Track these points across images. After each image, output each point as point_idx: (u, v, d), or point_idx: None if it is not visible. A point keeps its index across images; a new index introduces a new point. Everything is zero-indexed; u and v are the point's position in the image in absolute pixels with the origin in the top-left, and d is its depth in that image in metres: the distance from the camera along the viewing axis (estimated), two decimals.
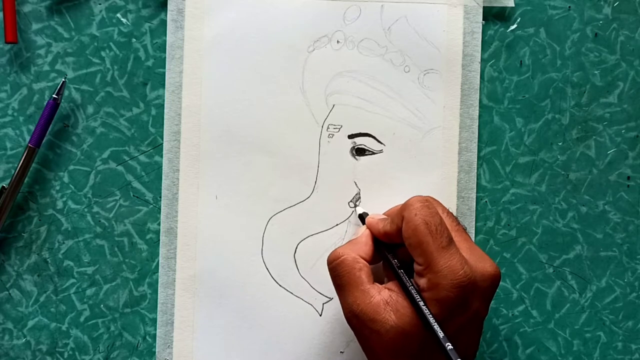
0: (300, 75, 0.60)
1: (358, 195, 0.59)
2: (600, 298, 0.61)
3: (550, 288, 0.61)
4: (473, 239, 0.60)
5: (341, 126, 0.60)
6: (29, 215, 0.60)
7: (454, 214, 0.59)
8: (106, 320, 0.60)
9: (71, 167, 0.60)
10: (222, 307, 0.59)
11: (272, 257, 0.59)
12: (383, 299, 0.50)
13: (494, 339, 0.61)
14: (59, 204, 0.60)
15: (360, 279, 0.51)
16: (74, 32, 0.60)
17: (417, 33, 0.60)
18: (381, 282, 0.53)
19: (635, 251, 0.61)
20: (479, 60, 0.60)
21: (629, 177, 0.61)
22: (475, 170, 0.60)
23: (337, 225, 0.59)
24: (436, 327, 0.48)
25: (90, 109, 0.60)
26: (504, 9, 0.60)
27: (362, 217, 0.57)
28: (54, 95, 0.58)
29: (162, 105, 0.60)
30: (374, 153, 0.60)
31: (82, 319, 0.60)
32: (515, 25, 0.61)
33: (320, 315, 0.60)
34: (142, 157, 0.60)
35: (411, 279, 0.51)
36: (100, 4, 0.60)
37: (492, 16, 0.60)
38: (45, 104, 0.59)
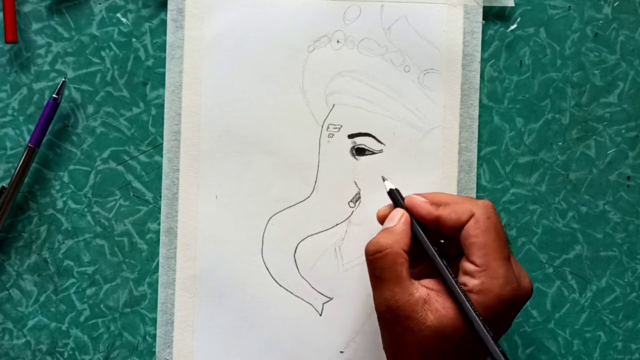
0: (300, 75, 0.60)
1: (358, 195, 0.59)
2: (600, 298, 0.61)
3: (550, 288, 0.61)
4: None
5: (341, 126, 0.60)
6: (29, 215, 0.60)
7: None
8: (106, 320, 0.60)
9: (71, 167, 0.60)
10: (222, 307, 0.59)
11: (272, 257, 0.59)
12: (422, 297, 0.50)
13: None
14: (59, 204, 0.60)
15: (402, 274, 0.50)
16: (74, 32, 0.60)
17: (417, 33, 0.60)
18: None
19: (635, 251, 0.61)
20: (479, 60, 0.60)
21: (629, 177, 0.61)
22: (475, 170, 0.60)
23: (337, 225, 0.59)
24: (485, 327, 0.48)
25: (90, 109, 0.60)
26: (504, 8, 0.60)
27: (394, 194, 0.54)
28: (54, 95, 0.58)
29: (162, 105, 0.60)
30: (374, 153, 0.60)
31: (82, 318, 0.60)
32: (515, 25, 0.61)
33: (320, 315, 0.60)
34: (142, 157, 0.60)
35: (455, 277, 0.50)
36: (100, 4, 0.60)
37: (492, 16, 0.60)
38: (45, 103, 0.59)
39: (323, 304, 0.60)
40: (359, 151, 0.60)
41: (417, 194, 0.53)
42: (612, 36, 0.61)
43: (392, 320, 0.50)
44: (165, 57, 0.60)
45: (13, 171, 0.58)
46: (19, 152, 0.59)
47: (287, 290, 0.60)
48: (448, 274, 0.50)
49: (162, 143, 0.60)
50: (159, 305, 0.59)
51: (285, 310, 0.59)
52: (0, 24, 0.59)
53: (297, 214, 0.59)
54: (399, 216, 0.52)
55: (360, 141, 0.60)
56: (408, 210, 0.53)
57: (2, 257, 0.60)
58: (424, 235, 0.52)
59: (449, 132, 0.60)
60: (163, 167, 0.59)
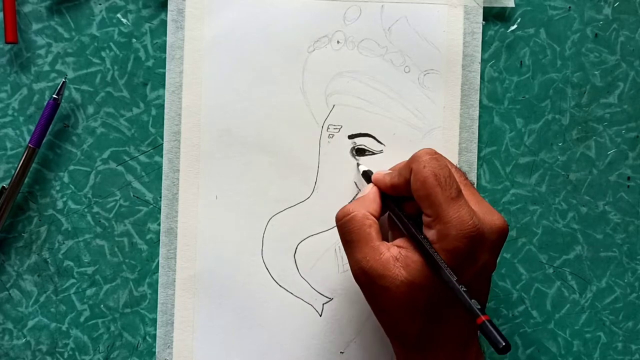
0: (300, 75, 0.60)
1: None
2: (600, 298, 0.61)
3: (550, 288, 0.61)
4: None
5: (341, 126, 0.60)
6: (29, 215, 0.60)
7: None
8: (106, 321, 0.60)
9: (71, 167, 0.60)
10: (222, 307, 0.59)
11: (272, 257, 0.59)
12: (392, 256, 0.50)
13: None
14: (59, 204, 0.60)
15: (370, 235, 0.51)
16: (74, 32, 0.60)
17: (417, 33, 0.60)
18: (386, 240, 0.53)
19: (635, 251, 0.61)
20: (479, 61, 0.60)
21: (629, 178, 0.61)
22: (475, 171, 0.60)
23: None
24: (448, 271, 0.48)
25: (90, 109, 0.60)
26: (504, 9, 0.60)
27: (367, 175, 0.57)
28: (54, 95, 0.58)
29: (162, 105, 0.60)
30: (374, 153, 0.60)
31: (82, 319, 0.60)
32: (515, 26, 0.61)
33: (320, 316, 0.60)
34: (142, 157, 0.60)
35: (420, 232, 0.51)
36: (100, 4, 0.60)
37: (492, 16, 0.60)
38: (45, 104, 0.59)
39: (323, 304, 0.60)
40: (359, 152, 0.60)
41: (381, 170, 0.55)
42: (612, 37, 0.61)
43: (367, 281, 0.51)
44: (165, 58, 0.60)
45: (13, 171, 0.58)
46: (19, 153, 0.59)
47: (287, 290, 0.60)
48: (409, 226, 0.51)
49: (162, 143, 0.60)
50: (159, 305, 0.59)
51: (285, 310, 0.59)
52: (0, 24, 0.59)
53: (297, 214, 0.59)
54: (369, 189, 0.55)
55: (361, 142, 0.60)
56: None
57: (2, 257, 0.60)
58: (387, 201, 0.53)
59: (449, 133, 0.60)
60: (163, 167, 0.59)
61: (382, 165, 0.59)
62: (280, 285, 0.59)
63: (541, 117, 0.61)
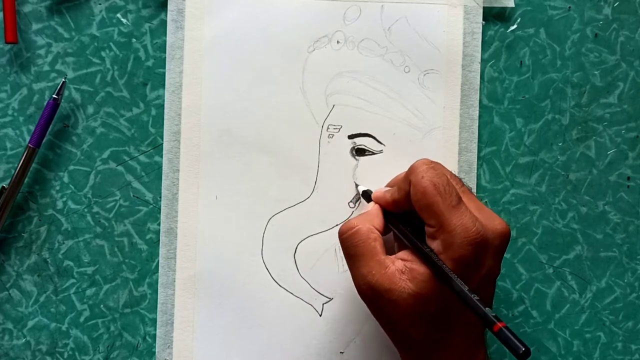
0: (300, 75, 0.60)
1: (358, 196, 0.59)
2: (600, 298, 0.61)
3: (550, 288, 0.61)
4: None
5: (341, 126, 0.60)
6: (29, 215, 0.60)
7: None
8: (106, 321, 0.60)
9: (71, 167, 0.60)
10: (222, 307, 0.59)
11: (272, 257, 0.59)
12: (398, 269, 0.50)
13: (494, 339, 0.61)
14: (59, 204, 0.60)
15: (375, 249, 0.51)
16: (74, 32, 0.60)
17: (417, 33, 0.60)
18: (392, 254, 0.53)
19: (635, 251, 0.61)
20: (479, 61, 0.60)
21: (629, 178, 0.61)
22: (475, 171, 0.60)
23: (337, 225, 0.59)
24: (459, 281, 0.48)
25: (90, 109, 0.60)
26: (504, 9, 0.60)
27: (367, 194, 0.57)
28: (54, 95, 0.58)
29: (162, 105, 0.60)
30: (374, 153, 0.60)
31: (82, 319, 0.60)
32: (515, 26, 0.61)
33: (320, 316, 0.60)
34: (142, 157, 0.60)
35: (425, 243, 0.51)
36: (100, 4, 0.60)
37: (492, 16, 0.60)
38: (45, 104, 0.59)
39: (323, 304, 0.60)
40: (359, 151, 0.60)
41: (380, 188, 0.56)
42: (612, 37, 0.61)
43: (374, 296, 0.50)
44: (165, 58, 0.60)
45: (13, 171, 0.58)
46: (19, 153, 0.59)
47: (287, 290, 0.60)
48: (413, 239, 0.51)
49: (162, 143, 0.60)
50: (159, 305, 0.59)
51: (285, 310, 0.59)
52: (0, 24, 0.59)
53: (297, 214, 0.59)
54: (371, 206, 0.55)
55: (360, 142, 0.60)
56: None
57: (2, 257, 0.60)
58: (389, 217, 0.54)
59: (449, 133, 0.60)
60: (163, 167, 0.59)
61: (382, 165, 0.59)
62: (280, 285, 0.59)
63: (541, 117, 0.61)
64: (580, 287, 0.61)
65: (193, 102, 0.59)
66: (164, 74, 0.60)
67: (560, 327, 0.61)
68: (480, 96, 0.60)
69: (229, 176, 0.59)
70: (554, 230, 0.61)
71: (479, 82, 0.60)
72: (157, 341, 0.59)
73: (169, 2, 0.59)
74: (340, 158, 0.60)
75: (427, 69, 0.60)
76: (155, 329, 0.59)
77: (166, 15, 0.59)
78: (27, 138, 0.59)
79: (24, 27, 0.60)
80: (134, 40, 0.60)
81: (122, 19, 0.60)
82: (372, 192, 0.56)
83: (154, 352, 0.59)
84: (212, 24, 0.59)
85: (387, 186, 0.56)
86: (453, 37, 0.60)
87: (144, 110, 0.60)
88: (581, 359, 0.61)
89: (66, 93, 0.60)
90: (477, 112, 0.60)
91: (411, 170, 0.51)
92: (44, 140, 0.59)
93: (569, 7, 0.61)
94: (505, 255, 0.60)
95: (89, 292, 0.60)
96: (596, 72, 0.61)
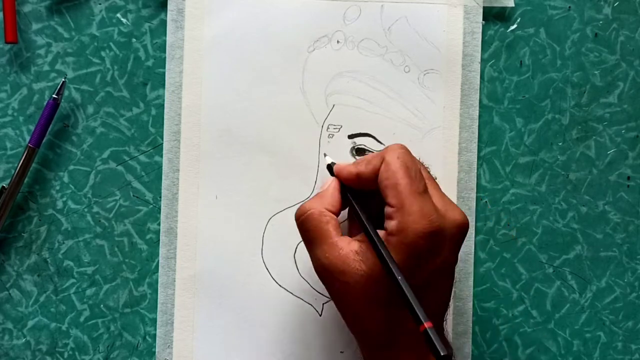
0: (300, 75, 0.60)
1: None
2: (600, 298, 0.61)
3: (550, 288, 0.61)
4: (472, 239, 0.60)
5: (341, 126, 0.60)
6: (29, 215, 0.60)
7: None
8: (106, 320, 0.60)
9: (71, 167, 0.60)
10: (222, 307, 0.59)
11: (272, 257, 0.59)
12: (352, 250, 0.50)
13: (494, 339, 0.61)
14: (59, 204, 0.60)
15: (328, 232, 0.51)
16: (74, 32, 0.60)
17: (417, 33, 0.60)
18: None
19: (635, 251, 0.61)
20: (479, 60, 0.60)
21: (629, 177, 0.61)
22: (475, 170, 0.60)
23: None
24: (395, 270, 0.47)
25: (90, 109, 0.60)
26: (504, 9, 0.60)
27: (330, 167, 0.56)
28: (54, 95, 0.58)
29: (162, 105, 0.60)
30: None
31: (82, 319, 0.60)
32: (515, 26, 0.61)
33: (320, 315, 0.60)
34: (142, 157, 0.60)
35: (378, 230, 0.50)
36: (100, 4, 0.60)
37: (492, 16, 0.60)
38: (45, 104, 0.59)
39: (323, 304, 0.60)
40: (359, 151, 0.60)
41: (344, 162, 0.55)
42: (612, 36, 0.61)
43: (329, 278, 0.51)
44: (165, 57, 0.60)
45: (13, 171, 0.58)
46: (19, 152, 0.59)
47: (287, 290, 0.60)
48: (363, 219, 0.51)
49: (162, 143, 0.60)
50: (159, 305, 0.59)
51: (285, 310, 0.59)
52: (0, 24, 0.59)
53: None
54: (329, 182, 0.54)
55: (360, 141, 0.60)
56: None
57: (2, 257, 0.60)
58: (347, 196, 0.53)
59: (449, 133, 0.60)
60: (163, 167, 0.59)
61: None
62: (280, 285, 0.59)
63: (541, 116, 0.61)
64: (580, 287, 0.61)
65: (193, 102, 0.59)
66: (164, 73, 0.60)
67: (560, 327, 0.61)
68: (480, 96, 0.60)
69: (229, 176, 0.59)
70: (554, 230, 0.61)
71: (479, 82, 0.60)
72: (157, 341, 0.59)
73: (169, 2, 0.59)
74: (340, 158, 0.59)
75: (427, 68, 0.60)
76: (155, 329, 0.59)
77: (166, 15, 0.59)
78: (27, 138, 0.59)
79: (24, 27, 0.60)
80: (134, 40, 0.60)
81: (122, 19, 0.60)
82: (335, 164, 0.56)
83: (154, 352, 0.59)
84: (212, 24, 0.59)
85: (356, 162, 0.55)
86: (453, 37, 0.60)
87: (144, 110, 0.60)
88: (581, 358, 0.61)
89: (66, 93, 0.60)
90: (477, 111, 0.60)
91: (388, 149, 0.51)
92: (44, 140, 0.59)
93: (569, 7, 0.61)
94: (505, 255, 0.60)
95: (89, 292, 0.60)
96: (596, 72, 0.61)
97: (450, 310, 0.59)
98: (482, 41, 0.60)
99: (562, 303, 0.61)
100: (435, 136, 0.60)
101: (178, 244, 0.59)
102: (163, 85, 0.60)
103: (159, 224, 0.60)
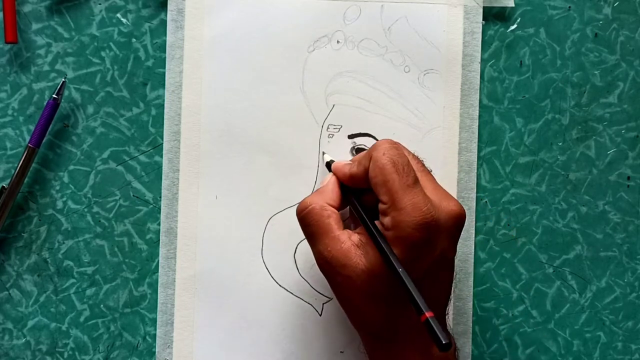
0: (300, 75, 0.60)
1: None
2: (600, 298, 0.61)
3: (550, 288, 0.61)
4: (472, 239, 0.60)
5: (341, 126, 0.60)
6: (29, 215, 0.60)
7: None
8: (106, 320, 0.60)
9: (71, 167, 0.60)
10: (222, 307, 0.59)
11: (272, 257, 0.59)
12: (354, 244, 0.50)
13: (494, 339, 0.61)
14: (59, 204, 0.60)
15: (330, 225, 0.51)
16: (74, 32, 0.60)
17: (417, 33, 0.60)
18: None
19: (635, 251, 0.61)
20: (479, 60, 0.60)
21: (629, 177, 0.61)
22: (475, 170, 0.60)
23: None
24: (395, 262, 0.48)
25: (90, 109, 0.60)
26: (504, 9, 0.60)
27: (329, 165, 0.56)
28: (54, 95, 0.58)
29: (162, 105, 0.60)
30: None
31: (82, 319, 0.60)
32: (515, 26, 0.61)
33: (320, 315, 0.60)
34: (142, 157, 0.60)
35: (375, 222, 0.51)
36: (100, 4, 0.60)
37: (492, 16, 0.60)
38: (45, 104, 0.59)
39: (323, 304, 0.60)
40: (359, 151, 0.60)
41: (342, 160, 0.55)
42: (612, 36, 0.61)
43: (331, 271, 0.51)
44: (165, 57, 0.60)
45: (13, 171, 0.58)
46: (19, 152, 0.59)
47: (287, 290, 0.60)
48: (365, 217, 0.51)
49: (162, 143, 0.60)
50: (159, 305, 0.59)
51: (285, 310, 0.59)
52: (0, 24, 0.59)
53: None
54: (328, 179, 0.55)
55: (360, 141, 0.60)
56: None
57: (2, 257, 0.60)
58: (346, 192, 0.54)
59: (449, 133, 0.60)
60: (163, 167, 0.59)
61: None
62: (280, 285, 0.59)
63: (541, 116, 0.61)
64: (580, 287, 0.61)
65: (193, 102, 0.59)
66: (164, 73, 0.60)
67: (560, 326, 0.61)
68: (480, 96, 0.60)
69: (229, 176, 0.59)
70: (554, 230, 0.61)
71: (479, 82, 0.60)
72: (157, 341, 0.59)
73: (169, 2, 0.59)
74: (340, 158, 0.59)
75: (427, 68, 0.60)
76: (155, 329, 0.59)
77: (166, 15, 0.59)
78: (27, 138, 0.59)
79: (24, 27, 0.60)
80: (134, 40, 0.60)
81: (122, 19, 0.60)
82: (334, 162, 0.56)
83: (154, 352, 0.59)
84: (212, 24, 0.59)
85: (350, 161, 0.55)
86: (453, 36, 0.60)
87: (144, 110, 0.60)
88: (581, 358, 0.61)
89: (66, 93, 0.60)
90: (477, 111, 0.60)
91: (374, 146, 0.51)
92: (44, 140, 0.59)
93: (569, 7, 0.61)
94: (505, 255, 0.60)
95: (89, 292, 0.60)
96: (596, 72, 0.61)
97: (450, 310, 0.59)
98: (482, 41, 0.60)
99: (562, 303, 0.61)
100: (435, 136, 0.60)
101: (178, 244, 0.59)
102: (163, 85, 0.60)
103: (159, 224, 0.60)
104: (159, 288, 0.59)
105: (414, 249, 0.49)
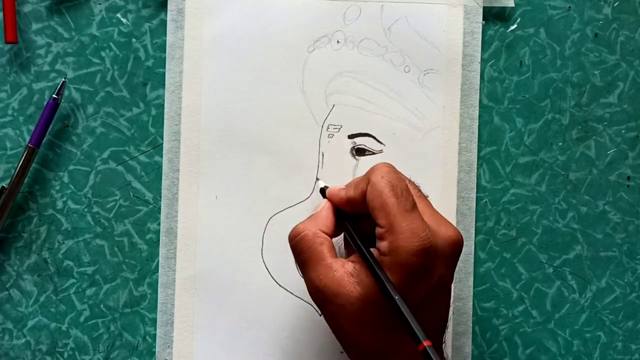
0: (300, 75, 0.60)
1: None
2: (600, 298, 0.61)
3: (550, 288, 0.61)
4: (472, 239, 0.60)
5: (341, 126, 0.60)
6: (29, 215, 0.60)
7: (454, 214, 0.59)
8: (106, 320, 0.60)
9: (71, 167, 0.60)
10: (222, 307, 0.59)
11: (272, 257, 0.59)
12: (347, 272, 0.50)
13: (494, 339, 0.61)
14: (59, 204, 0.60)
15: (322, 253, 0.51)
16: (74, 32, 0.60)
17: (417, 33, 0.60)
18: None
19: (635, 251, 0.61)
20: (479, 60, 0.60)
21: (629, 177, 0.61)
22: (475, 170, 0.60)
23: None
24: (392, 289, 0.47)
25: (90, 109, 0.60)
26: (504, 9, 0.60)
27: (323, 191, 0.56)
28: (54, 95, 0.58)
29: (162, 105, 0.60)
30: (374, 153, 0.60)
31: (82, 319, 0.60)
32: (515, 26, 0.61)
33: (320, 315, 0.60)
34: (142, 157, 0.60)
35: (371, 249, 0.50)
36: (100, 4, 0.60)
37: (492, 16, 0.60)
38: (45, 104, 0.59)
39: None
40: (359, 151, 0.60)
41: (337, 185, 0.55)
42: (612, 36, 0.61)
43: (323, 299, 0.50)
44: (165, 57, 0.60)
45: (13, 171, 0.58)
46: (19, 152, 0.59)
47: (287, 290, 0.60)
48: (359, 243, 0.50)
49: (162, 143, 0.60)
50: (159, 305, 0.59)
51: (285, 310, 0.59)
52: (0, 24, 0.59)
53: (297, 214, 0.59)
54: (322, 205, 0.54)
55: (360, 141, 0.60)
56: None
57: (2, 257, 0.60)
58: (341, 218, 0.53)
59: (449, 133, 0.60)
60: (163, 167, 0.59)
61: None
62: (280, 285, 0.59)
63: (541, 116, 0.61)
64: (580, 287, 0.61)
65: (193, 102, 0.59)
66: (164, 73, 0.60)
67: (560, 327, 0.61)
68: (480, 96, 0.60)
69: (229, 176, 0.59)
70: (554, 230, 0.61)
71: (479, 82, 0.60)
72: (157, 341, 0.59)
73: (169, 2, 0.59)
74: (340, 158, 0.60)
75: (427, 68, 0.60)
76: (155, 329, 0.60)
77: (166, 15, 0.59)
78: (27, 138, 0.59)
79: (24, 27, 0.60)
80: (134, 40, 0.60)
81: (122, 19, 0.60)
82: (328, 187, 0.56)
83: (154, 352, 0.59)
84: (212, 24, 0.59)
85: (346, 186, 0.55)
86: (453, 36, 0.60)
87: (144, 110, 0.60)
88: (581, 358, 0.61)
89: (66, 93, 0.60)
90: (477, 111, 0.60)
91: (372, 169, 0.51)
92: (44, 140, 0.59)
93: (569, 7, 0.61)
94: (505, 255, 0.60)
95: (89, 292, 0.60)
96: (596, 72, 0.61)
97: (450, 311, 0.59)
98: (482, 41, 0.60)
99: (562, 303, 0.61)
100: (435, 136, 0.60)
101: (178, 244, 0.59)
102: (163, 85, 0.60)
103: (159, 224, 0.60)
104: (159, 288, 0.59)
105: (411, 275, 0.48)
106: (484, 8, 0.60)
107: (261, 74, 0.59)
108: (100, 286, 0.60)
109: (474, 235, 0.60)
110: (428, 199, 0.53)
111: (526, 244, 0.61)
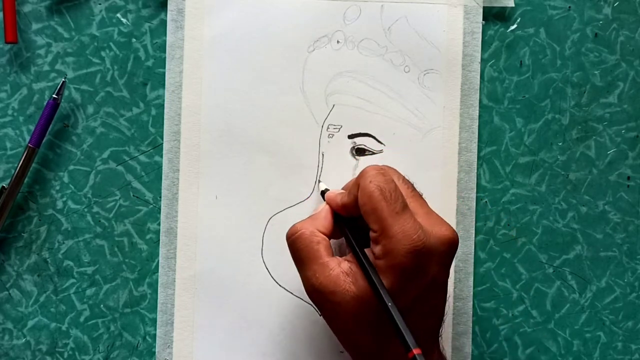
0: (300, 75, 0.60)
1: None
2: (600, 298, 0.61)
3: (550, 288, 0.61)
4: (472, 239, 0.60)
5: (341, 126, 0.60)
6: (29, 215, 0.60)
7: (454, 214, 0.59)
8: (106, 320, 0.60)
9: (71, 167, 0.60)
10: (222, 307, 0.59)
11: (272, 257, 0.59)
12: (343, 271, 0.50)
13: (494, 339, 0.61)
14: (59, 204, 0.60)
15: (319, 252, 0.51)
16: (74, 32, 0.60)
17: (417, 33, 0.60)
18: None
19: (635, 251, 0.61)
20: (479, 61, 0.60)
21: (629, 177, 0.61)
22: (475, 170, 0.60)
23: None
24: (385, 295, 0.48)
25: (90, 109, 0.60)
26: (504, 9, 0.60)
27: (324, 194, 0.57)
28: (54, 95, 0.58)
29: (162, 105, 0.60)
30: (374, 153, 0.60)
31: (82, 319, 0.60)
32: (515, 26, 0.61)
33: (320, 315, 0.60)
34: (142, 157, 0.60)
35: (365, 249, 0.50)
36: (100, 4, 0.60)
37: (492, 16, 0.60)
38: (45, 104, 0.59)
39: None
40: (359, 151, 0.60)
41: (335, 189, 0.56)
42: (612, 36, 0.61)
43: (320, 298, 0.50)
44: (165, 57, 0.60)
45: (13, 171, 0.58)
46: (19, 152, 0.59)
47: (287, 290, 0.60)
48: (355, 246, 0.51)
49: (162, 143, 0.60)
50: (159, 305, 0.59)
51: (285, 310, 0.59)
52: (0, 24, 0.59)
53: (297, 214, 0.59)
54: (321, 207, 0.55)
55: (360, 141, 0.60)
56: None
57: (2, 257, 0.60)
58: (339, 220, 0.53)
59: (449, 133, 0.60)
60: (163, 167, 0.59)
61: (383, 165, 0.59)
62: (280, 285, 0.59)
63: (541, 116, 0.61)
64: (580, 287, 0.61)
65: (193, 102, 0.59)
66: (164, 73, 0.60)
67: (560, 327, 0.61)
68: (480, 96, 0.60)
69: (229, 176, 0.59)
70: (554, 230, 0.61)
71: (479, 82, 0.60)
72: (157, 341, 0.59)
73: (169, 2, 0.59)
74: (340, 158, 0.60)
75: (427, 68, 0.60)
76: (155, 329, 0.60)
77: (166, 15, 0.59)
78: (27, 138, 0.59)
79: (24, 27, 0.60)
80: (134, 40, 0.60)
81: (122, 19, 0.60)
82: (328, 190, 0.57)
83: (154, 352, 0.59)
84: (212, 24, 0.59)
85: (342, 189, 0.56)
86: (453, 37, 0.60)
87: (144, 110, 0.60)
88: (581, 358, 0.61)
89: (66, 93, 0.60)
90: (477, 111, 0.60)
91: (361, 174, 0.51)
92: (44, 140, 0.59)
93: (569, 7, 0.61)
94: (505, 255, 0.60)
95: (89, 292, 0.60)
96: (596, 72, 0.61)
97: (450, 311, 0.59)
98: (482, 41, 0.60)
99: (562, 303, 0.61)
100: (435, 136, 0.60)
101: (178, 244, 0.59)
102: (163, 85, 0.60)
103: (159, 224, 0.60)
104: (159, 288, 0.59)
105: (405, 276, 0.48)
106: (484, 8, 0.60)
107: (261, 74, 0.59)
108: (100, 286, 0.60)
109: (474, 235, 0.60)
110: (423, 196, 0.53)
111: (526, 244, 0.61)
